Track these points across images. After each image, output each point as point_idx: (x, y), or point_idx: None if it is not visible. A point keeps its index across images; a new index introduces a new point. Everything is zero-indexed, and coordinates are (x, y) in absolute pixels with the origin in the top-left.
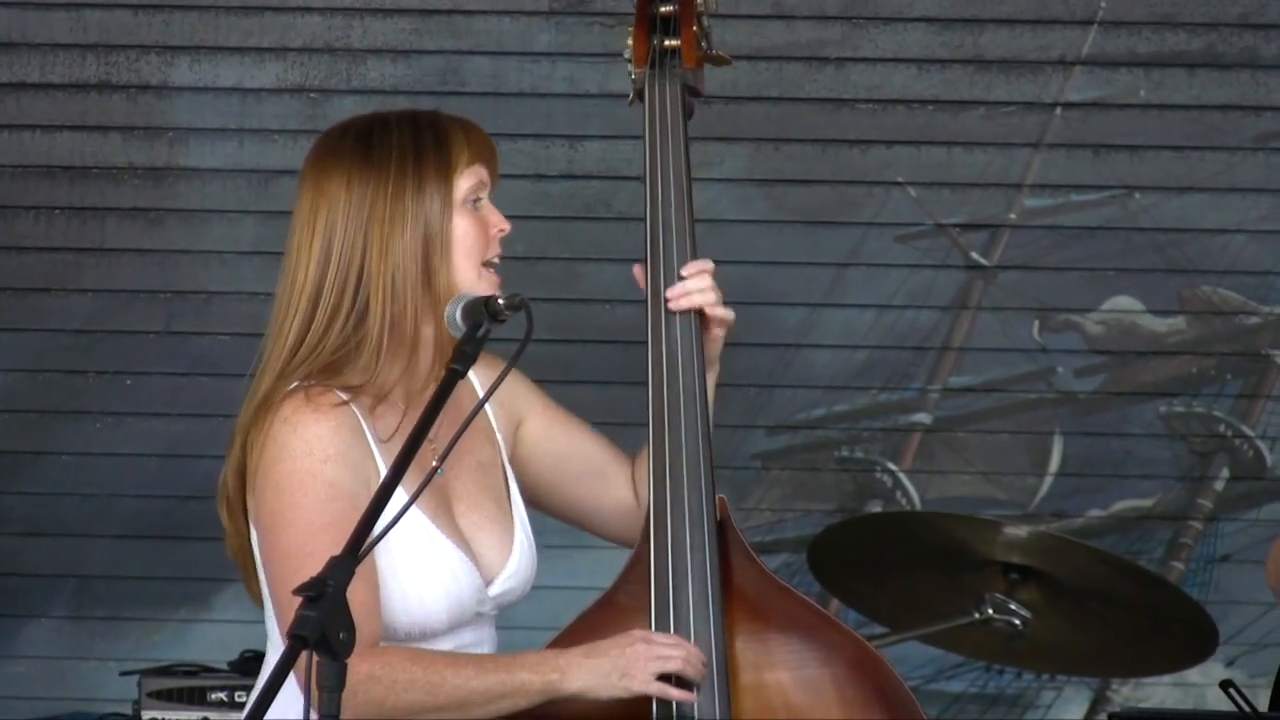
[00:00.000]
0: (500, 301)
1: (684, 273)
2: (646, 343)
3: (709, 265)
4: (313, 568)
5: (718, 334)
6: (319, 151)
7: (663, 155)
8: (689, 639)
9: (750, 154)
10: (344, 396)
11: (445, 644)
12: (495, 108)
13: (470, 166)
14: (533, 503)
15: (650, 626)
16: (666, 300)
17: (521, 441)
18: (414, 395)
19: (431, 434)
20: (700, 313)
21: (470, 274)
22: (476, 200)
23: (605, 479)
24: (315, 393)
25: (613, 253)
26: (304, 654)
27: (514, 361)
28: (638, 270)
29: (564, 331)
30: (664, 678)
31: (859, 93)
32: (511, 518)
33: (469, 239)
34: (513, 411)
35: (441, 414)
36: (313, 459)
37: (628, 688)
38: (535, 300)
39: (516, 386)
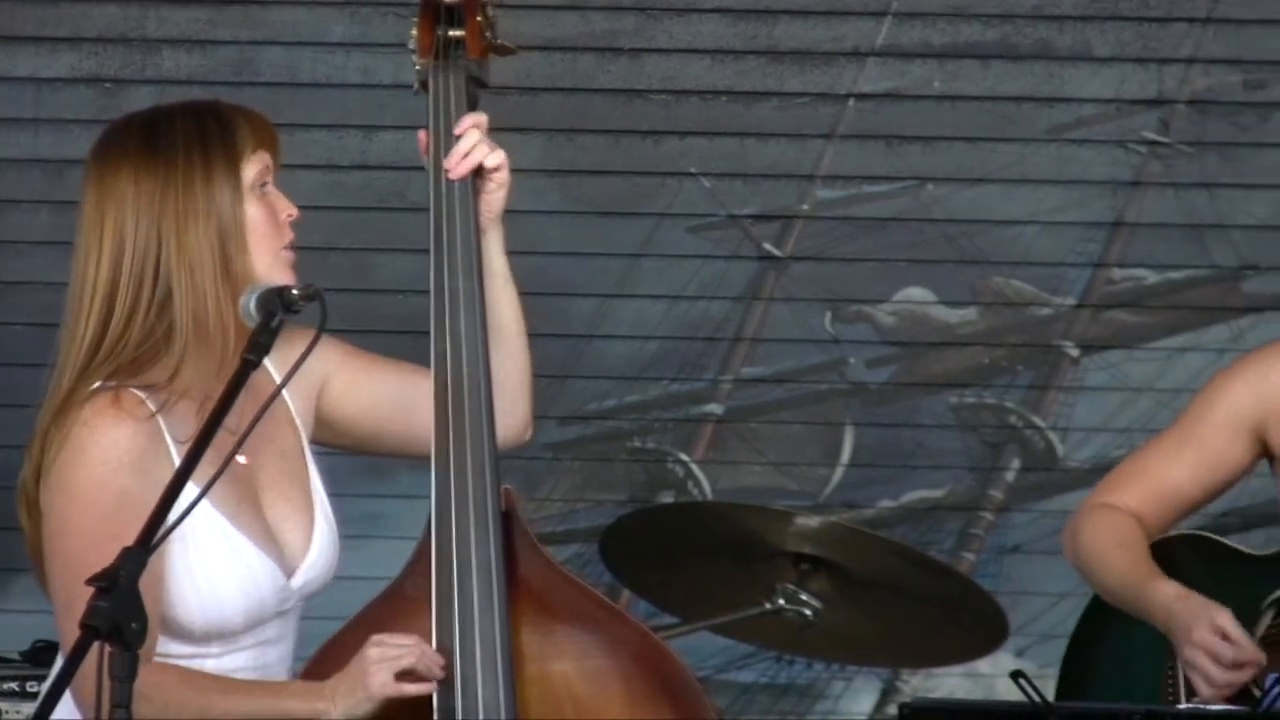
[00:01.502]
0: (294, 292)
1: (456, 131)
2: (431, 335)
3: (481, 119)
4: None
5: (495, 189)
6: (102, 148)
7: (446, 146)
8: (473, 631)
9: (543, 145)
10: (143, 396)
11: (246, 640)
12: (290, 98)
13: (256, 153)
14: (367, 451)
15: (433, 619)
16: (447, 172)
17: (328, 401)
18: (219, 389)
19: (233, 426)
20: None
21: (266, 259)
22: (264, 185)
23: (427, 402)
24: (116, 395)
25: (406, 243)
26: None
27: (307, 354)
28: (422, 135)
29: (357, 322)
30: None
31: (652, 83)
32: (313, 504)
33: (262, 225)
34: (310, 384)
35: (240, 405)
36: (106, 467)
37: (371, 696)
38: (329, 290)
39: (310, 355)
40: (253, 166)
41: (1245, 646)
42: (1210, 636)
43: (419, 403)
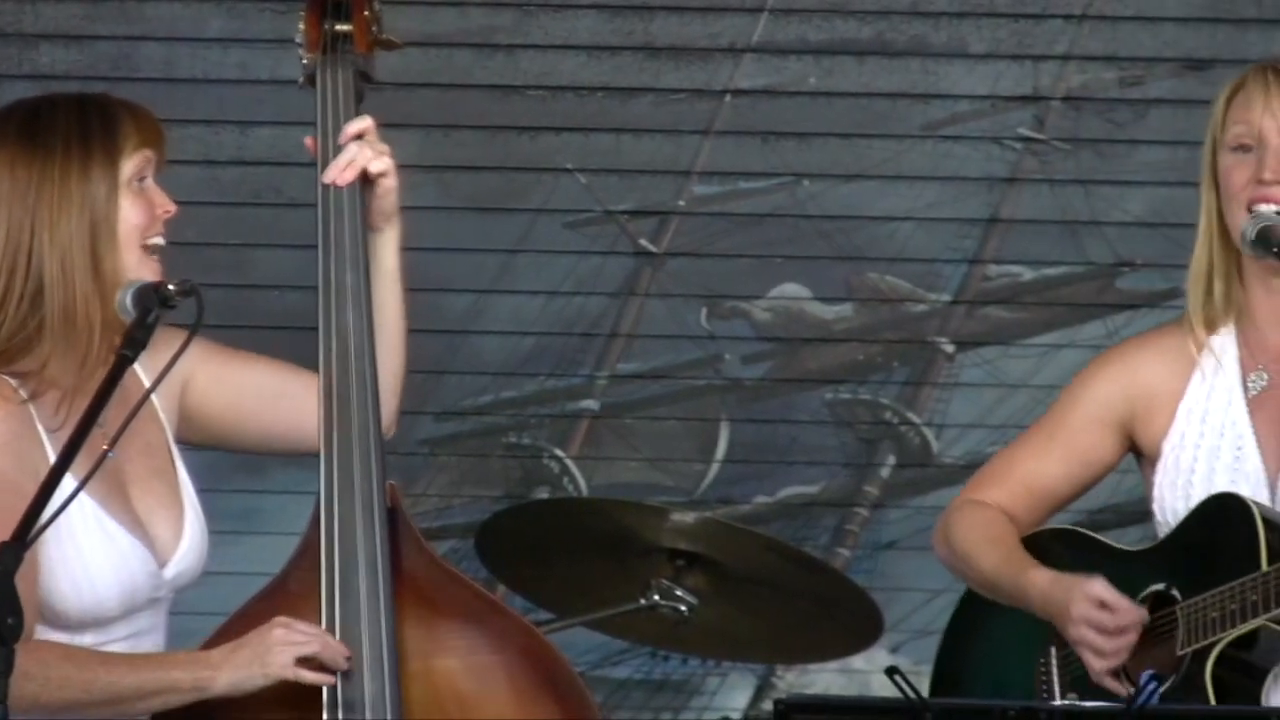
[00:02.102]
0: (171, 288)
1: (341, 140)
2: (318, 330)
3: (367, 124)
4: None
5: (382, 194)
6: None
7: (334, 141)
8: (359, 626)
9: (419, 140)
10: (15, 384)
11: (120, 630)
12: (167, 93)
13: (138, 151)
14: (231, 447)
15: (320, 613)
16: (333, 184)
17: (192, 398)
18: (85, 382)
19: (102, 420)
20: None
21: (132, 258)
22: (142, 180)
23: (289, 398)
24: None
25: (283, 239)
26: None
27: (183, 349)
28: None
29: (234, 317)
30: (306, 663)
31: (528, 79)
32: (181, 499)
33: (133, 222)
34: (174, 381)
35: (111, 399)
36: None
37: (267, 674)
38: (205, 286)
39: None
40: (131, 162)
41: (1124, 609)
42: (1088, 608)
43: (284, 398)
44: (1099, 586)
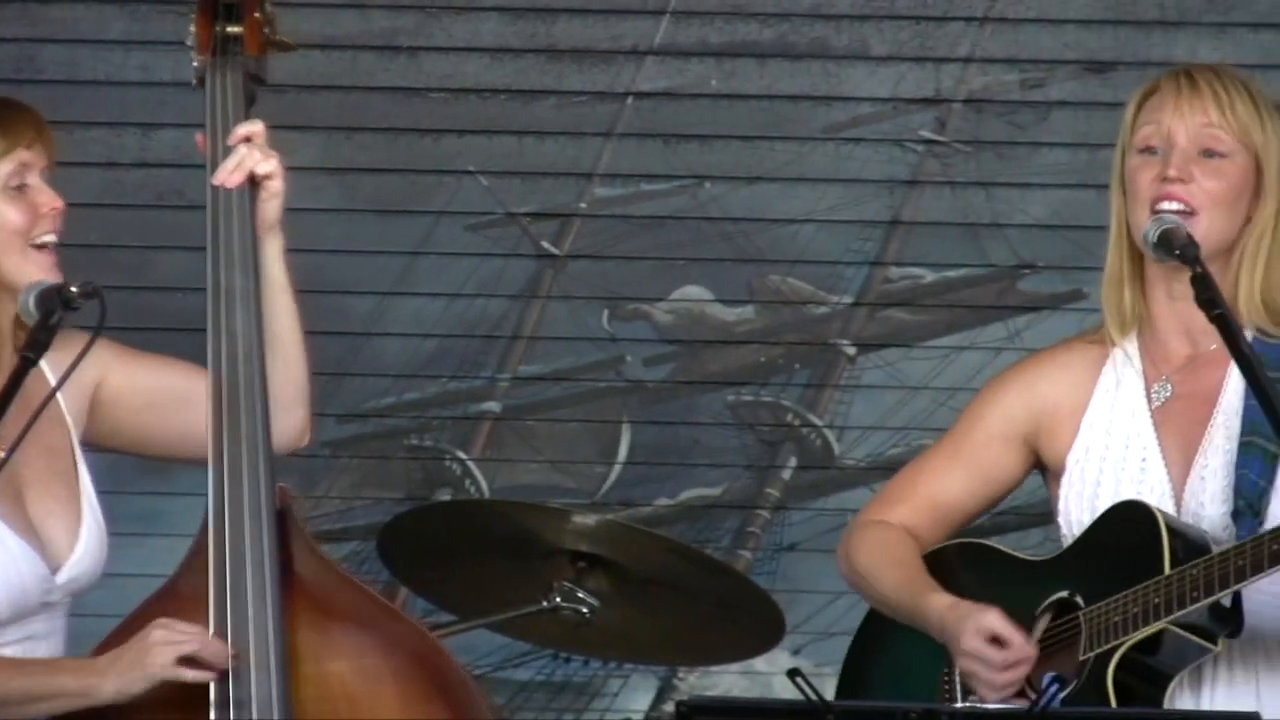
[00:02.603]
0: (73, 290)
1: (230, 142)
2: (207, 333)
3: (256, 128)
4: None
5: (267, 198)
6: None
7: (223, 143)
8: (247, 627)
9: (322, 143)
10: None
11: (12, 634)
12: (70, 96)
13: (7, 155)
14: (141, 452)
15: (210, 616)
16: (221, 185)
17: (104, 399)
18: None
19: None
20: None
21: (14, 259)
22: (20, 186)
23: (199, 403)
24: None
25: (185, 241)
26: None
27: (86, 351)
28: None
29: (136, 319)
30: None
31: (431, 82)
32: (80, 502)
33: (12, 225)
34: (83, 385)
35: (13, 401)
36: None
37: (148, 675)
38: (108, 288)
39: (88, 354)
40: (6, 166)
41: (1015, 644)
42: (978, 644)
43: (195, 403)
44: (992, 619)
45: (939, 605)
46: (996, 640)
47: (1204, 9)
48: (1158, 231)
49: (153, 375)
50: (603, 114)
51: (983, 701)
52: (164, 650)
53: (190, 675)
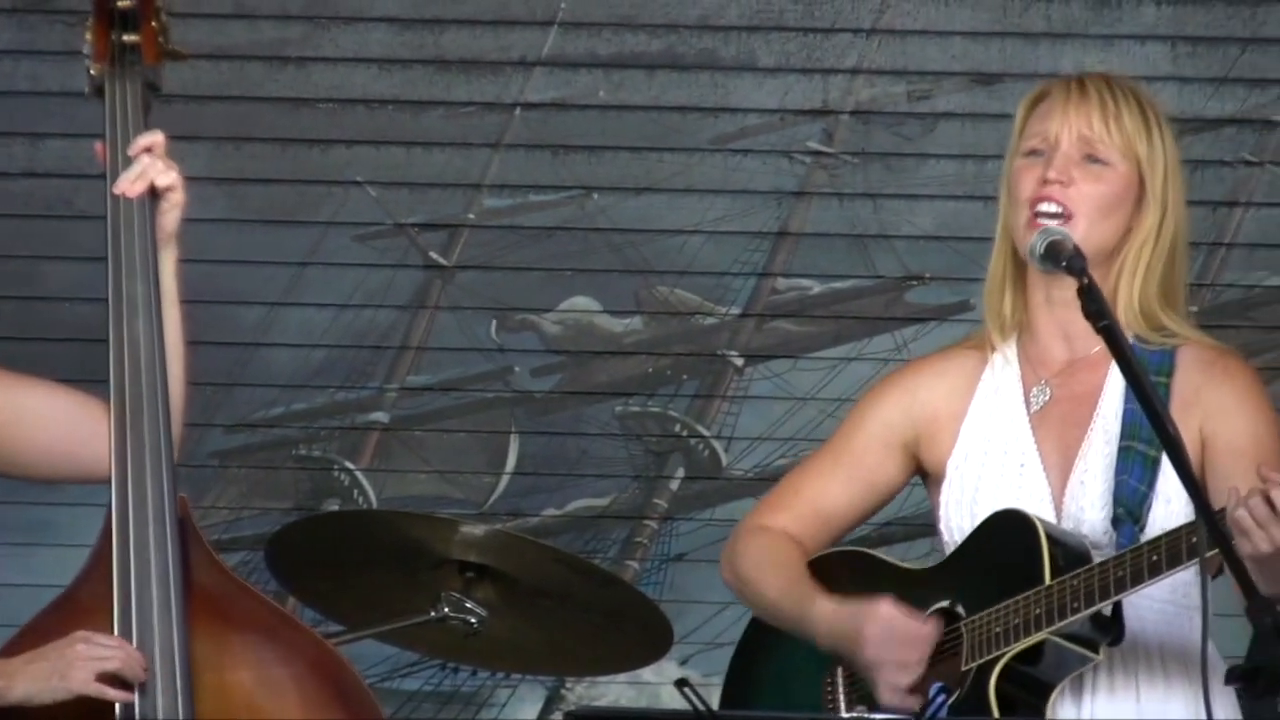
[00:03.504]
0: None
1: (131, 152)
2: (109, 342)
3: (158, 137)
4: None
5: (168, 209)
6: None
7: (123, 152)
8: (152, 639)
9: (210, 153)
10: None
11: None
12: None
13: None
14: (32, 478)
15: (112, 626)
16: (123, 195)
17: None
18: None
19: None
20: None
21: None
22: None
23: (73, 422)
24: None
25: (74, 251)
26: None
27: None
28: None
29: (25, 330)
30: (107, 678)
31: (319, 92)
32: None
33: None
34: None
35: None
36: None
37: (67, 688)
38: None
39: None
40: None
41: (916, 625)
42: (881, 626)
43: (83, 421)
44: (888, 607)
45: (826, 609)
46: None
47: (1090, 21)
48: (1044, 243)
49: (16, 395)
50: (491, 125)
51: (871, 710)
52: (86, 665)
53: (113, 695)
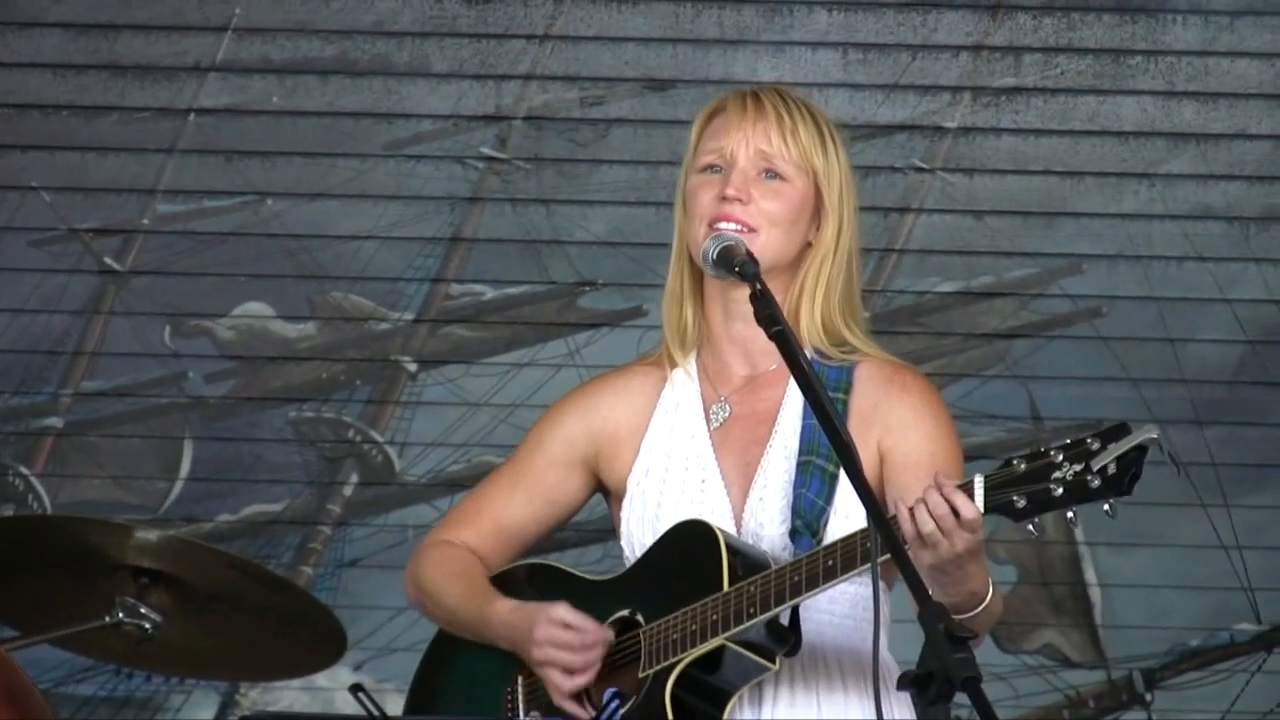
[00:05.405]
0: None
1: None
2: None
3: None
4: None
5: None
6: None
7: None
8: None
9: None
10: None
11: None
12: None
13: None
14: None
15: None
16: None
17: None
18: None
19: None
20: None
21: None
22: None
23: None
24: None
25: None
26: None
27: None
28: None
29: None
30: None
31: None
32: None
33: None
34: None
35: None
36: None
37: None
38: None
39: None
40: None
41: (588, 628)
42: (551, 629)
43: None
44: (562, 610)
45: (503, 610)
46: (568, 628)
47: (763, 28)
48: (717, 249)
49: None
50: (165, 130)
51: (545, 716)
52: None
53: None
